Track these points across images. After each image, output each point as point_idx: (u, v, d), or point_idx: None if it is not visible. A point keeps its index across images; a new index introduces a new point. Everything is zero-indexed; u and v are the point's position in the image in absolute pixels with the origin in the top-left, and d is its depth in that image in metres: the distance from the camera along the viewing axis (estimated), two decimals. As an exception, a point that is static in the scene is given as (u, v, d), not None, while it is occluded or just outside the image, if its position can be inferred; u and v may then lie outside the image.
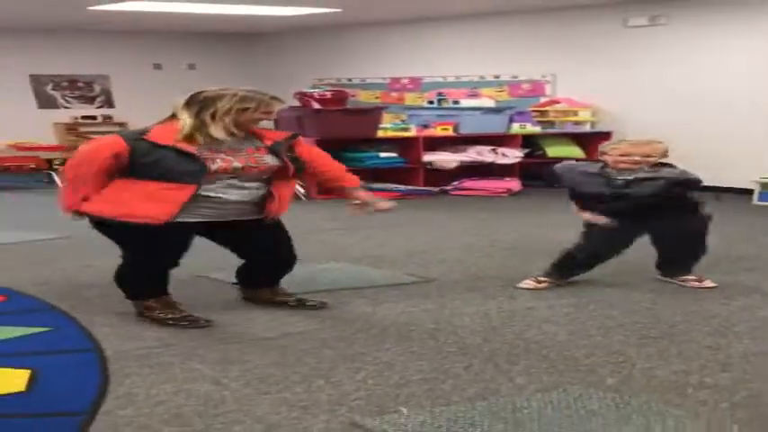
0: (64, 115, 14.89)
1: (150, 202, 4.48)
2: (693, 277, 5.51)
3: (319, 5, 12.00)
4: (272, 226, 4.83)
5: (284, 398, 3.54)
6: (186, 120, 4.58)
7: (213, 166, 4.52)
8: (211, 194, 4.56)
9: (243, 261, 5.04)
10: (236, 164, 4.59)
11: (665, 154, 5.40)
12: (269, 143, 4.76)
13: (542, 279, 5.50)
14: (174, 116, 4.65)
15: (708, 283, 5.49)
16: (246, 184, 4.66)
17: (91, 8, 11.78)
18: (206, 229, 4.71)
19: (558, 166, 5.70)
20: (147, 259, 4.71)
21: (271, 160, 4.71)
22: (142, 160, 4.49)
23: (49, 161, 12.89)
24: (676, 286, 5.46)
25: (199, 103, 4.59)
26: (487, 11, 12.63)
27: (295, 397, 3.55)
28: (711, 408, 3.43)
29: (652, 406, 3.43)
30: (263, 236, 4.85)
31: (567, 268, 5.54)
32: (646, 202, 5.25)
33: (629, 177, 5.29)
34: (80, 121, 14.86)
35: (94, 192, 4.57)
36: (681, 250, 5.57)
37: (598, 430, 3.20)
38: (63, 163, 13.23)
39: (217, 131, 4.57)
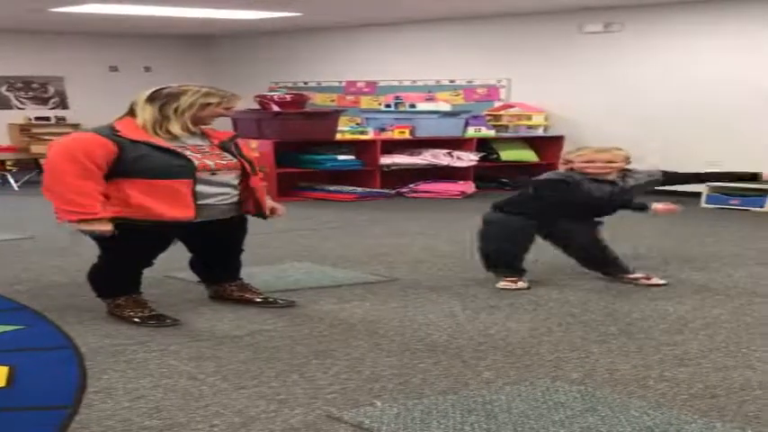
0: (17, 116, 14.84)
1: (170, 200, 4.55)
2: (642, 275, 5.69)
3: (278, 10, 12.07)
4: (237, 221, 4.94)
5: (261, 392, 3.64)
6: (148, 115, 4.64)
7: (195, 163, 4.62)
8: (199, 192, 4.65)
9: (193, 255, 5.15)
10: (208, 162, 4.68)
11: (627, 160, 5.60)
12: (216, 141, 4.86)
13: (511, 279, 5.61)
14: (131, 113, 4.70)
15: (656, 281, 5.67)
16: (225, 182, 4.76)
17: (52, 10, 11.77)
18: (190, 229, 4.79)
19: (548, 176, 5.82)
20: (128, 259, 4.77)
21: (231, 158, 4.82)
22: (132, 156, 4.53)
23: (2, 162, 12.87)
24: (631, 285, 5.62)
25: (163, 98, 4.67)
26: (444, 16, 12.78)
27: (271, 391, 3.66)
28: (671, 399, 3.58)
29: (616, 398, 3.58)
30: (223, 231, 4.95)
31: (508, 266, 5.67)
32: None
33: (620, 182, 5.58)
34: (33, 122, 14.82)
35: (99, 194, 4.52)
36: (606, 250, 5.78)
37: (566, 421, 3.33)
38: (15, 164, 13.25)
39: (175, 127, 4.65)
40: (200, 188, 4.64)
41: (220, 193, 4.75)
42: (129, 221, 4.53)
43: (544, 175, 5.85)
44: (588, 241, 5.72)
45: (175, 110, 4.66)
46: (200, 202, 4.65)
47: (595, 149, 5.63)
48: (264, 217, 4.98)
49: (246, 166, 4.86)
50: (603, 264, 5.77)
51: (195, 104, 4.69)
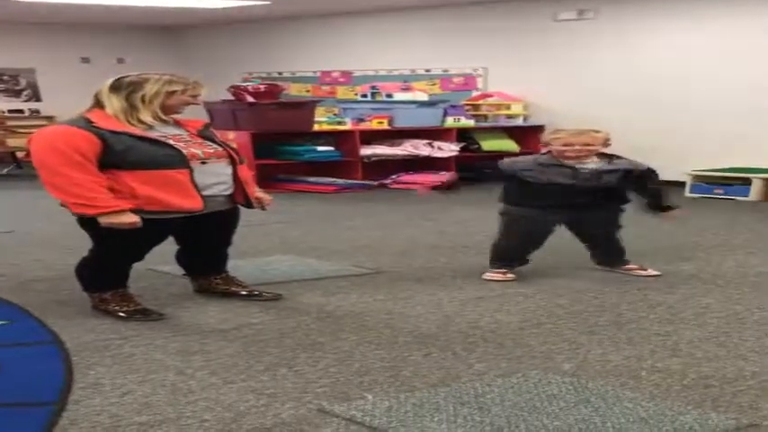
0: (-11, 109, 14.72)
1: (176, 190, 4.51)
2: (636, 266, 5.66)
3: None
4: (233, 213, 4.89)
5: (250, 386, 3.60)
6: (116, 104, 4.57)
7: (184, 152, 4.56)
8: (197, 183, 4.59)
9: (181, 247, 5.09)
10: (196, 150, 4.63)
11: (605, 143, 5.53)
12: (193, 131, 4.81)
13: (500, 270, 5.57)
14: (98, 104, 4.63)
15: (651, 272, 5.64)
16: (219, 172, 4.71)
17: (19, 0, 11.66)
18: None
19: (504, 162, 5.76)
20: (121, 253, 4.70)
21: (216, 146, 4.78)
22: (119, 148, 4.46)
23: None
24: (619, 275, 5.60)
25: (126, 87, 4.60)
26: (418, 4, 12.74)
27: (261, 385, 3.61)
28: (665, 390, 3.55)
29: (609, 389, 3.55)
30: (218, 223, 4.90)
31: (506, 260, 5.61)
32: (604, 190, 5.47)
33: (591, 168, 5.44)
34: (7, 114, 14.68)
35: (103, 186, 4.45)
36: (614, 240, 5.72)
37: (559, 412, 3.30)
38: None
39: (146, 116, 4.59)
40: (197, 178, 4.58)
41: (216, 183, 4.70)
42: (139, 213, 4.47)
43: (506, 161, 5.78)
44: (597, 231, 5.68)
45: (142, 98, 4.59)
46: (201, 194, 4.60)
47: (572, 132, 5.51)
48: (251, 206, 4.92)
49: (233, 154, 4.81)
50: (606, 254, 5.73)
51: (161, 93, 4.62)
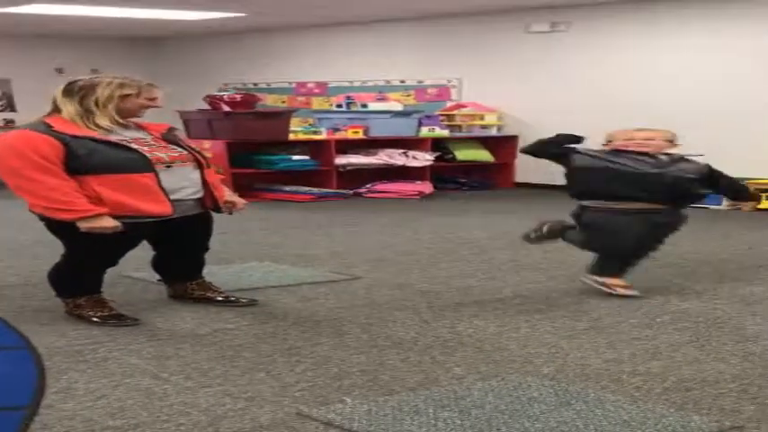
0: (-36, 119, 14.59)
1: (143, 195, 4.43)
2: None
3: (223, 10, 11.96)
4: (204, 217, 4.84)
5: (227, 390, 3.54)
6: (71, 108, 4.50)
7: (148, 156, 4.50)
8: (164, 188, 4.53)
9: (156, 253, 5.01)
10: (160, 154, 4.57)
11: (670, 141, 5.38)
12: (158, 134, 4.74)
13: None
14: (55, 109, 4.55)
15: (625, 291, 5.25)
16: (185, 176, 4.64)
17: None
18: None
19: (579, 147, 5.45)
20: (95, 258, 4.63)
21: (181, 150, 4.71)
22: (81, 152, 4.38)
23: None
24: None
25: (78, 92, 4.52)
26: (392, 17, 12.75)
27: (237, 389, 3.56)
28: (646, 393, 3.53)
29: (590, 392, 3.52)
30: (191, 228, 4.84)
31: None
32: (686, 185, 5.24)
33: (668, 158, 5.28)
34: (-20, 124, 14.58)
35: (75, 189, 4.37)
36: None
37: (540, 416, 3.26)
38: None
39: (103, 120, 4.51)
40: (164, 183, 4.51)
41: (184, 187, 4.62)
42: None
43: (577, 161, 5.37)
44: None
45: (96, 102, 4.51)
46: (170, 198, 4.53)
47: (636, 128, 5.40)
48: (220, 211, 4.85)
49: (199, 157, 4.75)
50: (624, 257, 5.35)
51: (113, 96, 4.53)
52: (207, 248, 5.02)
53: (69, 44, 15.34)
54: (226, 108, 10.71)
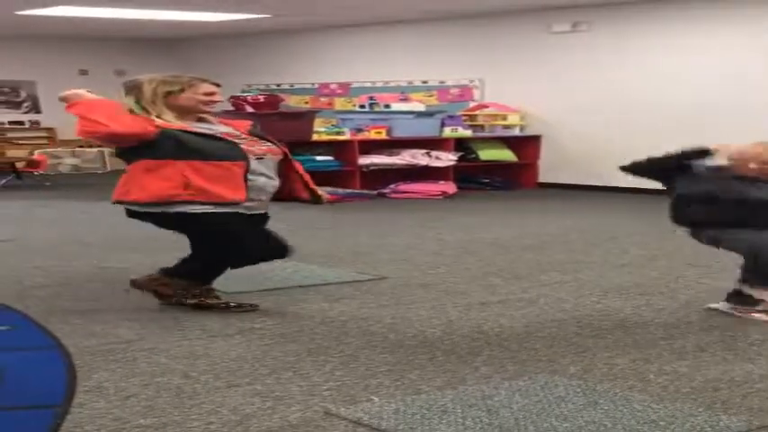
0: (-10, 121, 14.71)
1: (225, 182, 4.53)
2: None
3: (247, 12, 12.00)
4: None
5: (256, 389, 3.57)
6: (133, 107, 4.60)
7: (241, 146, 4.58)
8: (252, 180, 4.61)
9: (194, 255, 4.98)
10: (251, 147, 4.64)
11: None
12: (243, 131, 4.81)
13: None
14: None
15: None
16: (268, 173, 4.71)
17: (19, 13, 11.64)
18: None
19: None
20: (242, 245, 4.75)
21: (270, 144, 4.78)
22: (174, 137, 4.51)
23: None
24: (620, 283, 5.56)
25: (129, 93, 4.65)
26: (415, 18, 12.77)
27: (266, 388, 3.58)
28: (673, 393, 3.53)
29: (617, 392, 3.53)
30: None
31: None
32: None
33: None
34: (7, 126, 14.67)
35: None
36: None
37: (568, 415, 3.27)
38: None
39: (167, 115, 4.59)
40: (252, 175, 4.59)
41: (272, 177, 4.72)
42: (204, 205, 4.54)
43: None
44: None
45: (147, 100, 4.60)
46: (250, 187, 4.61)
47: (756, 143, 4.67)
48: (320, 202, 5.01)
49: (286, 151, 4.83)
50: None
51: (158, 93, 4.62)
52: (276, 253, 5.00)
53: (93, 46, 15.45)
54: (249, 109, 10.75)
